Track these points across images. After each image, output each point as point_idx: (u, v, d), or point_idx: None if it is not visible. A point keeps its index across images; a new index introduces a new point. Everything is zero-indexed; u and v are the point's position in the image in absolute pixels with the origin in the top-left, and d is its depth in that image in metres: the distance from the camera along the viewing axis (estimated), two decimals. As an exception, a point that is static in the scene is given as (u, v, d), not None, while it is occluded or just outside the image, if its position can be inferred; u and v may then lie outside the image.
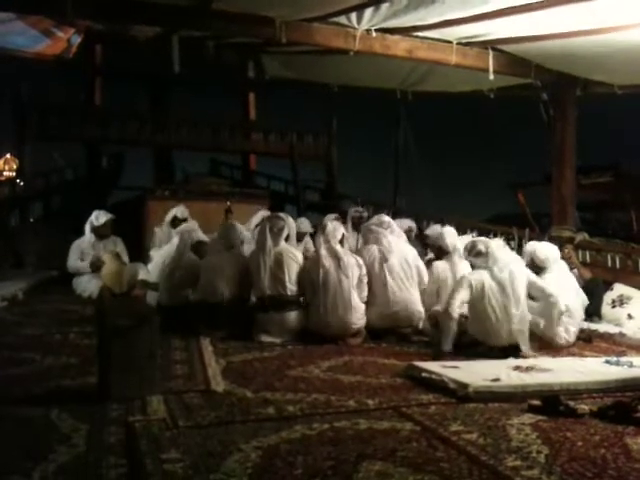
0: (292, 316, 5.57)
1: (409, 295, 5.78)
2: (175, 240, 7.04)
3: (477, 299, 5.09)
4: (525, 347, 5.02)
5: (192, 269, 6.24)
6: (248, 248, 6.49)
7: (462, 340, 5.12)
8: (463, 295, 5.11)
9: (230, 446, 2.90)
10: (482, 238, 5.68)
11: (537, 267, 5.75)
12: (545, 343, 5.36)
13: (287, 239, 5.94)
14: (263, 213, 8.19)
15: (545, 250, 5.89)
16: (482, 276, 5.13)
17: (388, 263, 5.79)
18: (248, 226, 7.89)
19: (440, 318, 5.23)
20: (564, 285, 5.79)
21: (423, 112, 13.00)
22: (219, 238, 6.35)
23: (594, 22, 6.35)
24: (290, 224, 6.05)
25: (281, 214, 6.23)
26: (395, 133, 14.85)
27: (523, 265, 5.55)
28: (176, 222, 8.33)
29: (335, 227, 5.91)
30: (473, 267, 5.33)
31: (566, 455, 2.90)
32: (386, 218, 6.31)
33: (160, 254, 7.29)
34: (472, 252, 5.29)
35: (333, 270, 5.56)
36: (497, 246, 5.56)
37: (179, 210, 8.58)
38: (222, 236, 6.29)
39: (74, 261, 8.19)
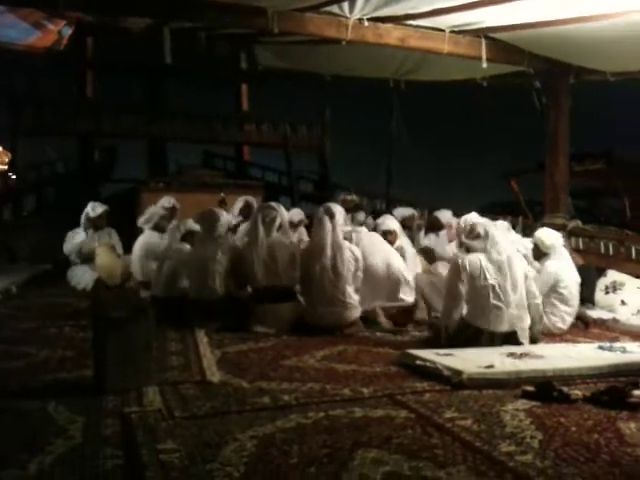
0: (287, 307, 5.58)
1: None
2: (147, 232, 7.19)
3: (474, 281, 4.86)
4: (525, 340, 4.83)
5: (182, 259, 6.25)
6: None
7: (464, 334, 4.84)
8: (464, 280, 4.88)
9: (226, 436, 2.92)
10: (483, 220, 5.37)
11: (541, 253, 5.80)
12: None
13: (280, 229, 5.92)
14: (245, 198, 8.20)
15: (551, 237, 5.91)
16: (478, 257, 4.92)
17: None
18: (232, 212, 7.90)
19: (438, 328, 5.06)
20: (565, 271, 5.81)
21: (417, 102, 12.96)
22: (200, 227, 6.27)
23: (586, 9, 6.34)
24: (282, 213, 6.00)
25: (273, 203, 6.19)
26: (388, 123, 14.82)
27: (520, 255, 5.47)
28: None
29: (342, 214, 5.84)
30: (469, 250, 5.07)
31: (560, 440, 2.93)
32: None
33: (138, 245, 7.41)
34: (470, 234, 5.06)
35: (330, 261, 5.55)
36: (500, 227, 5.57)
37: (165, 200, 8.50)
38: (204, 225, 6.19)
39: (70, 245, 8.16)
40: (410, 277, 5.92)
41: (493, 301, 4.80)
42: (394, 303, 5.80)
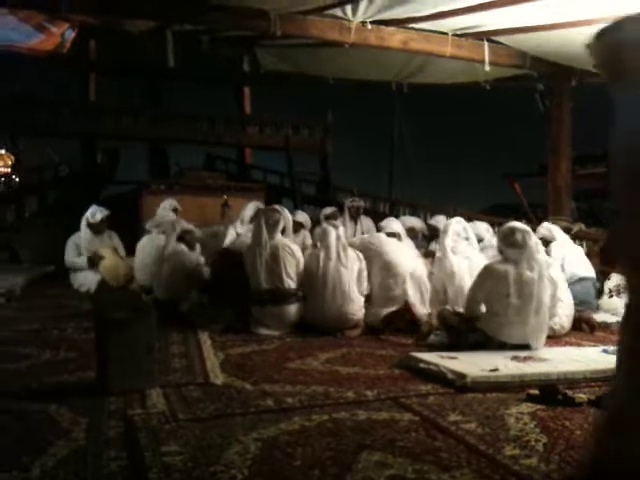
0: (290, 309, 5.58)
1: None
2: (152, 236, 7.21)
3: (496, 293, 4.71)
4: (536, 345, 4.72)
5: (179, 259, 6.26)
6: (243, 241, 6.53)
7: (472, 338, 4.79)
8: (487, 288, 4.75)
9: (229, 438, 2.91)
10: (523, 226, 4.99)
11: (545, 241, 6.13)
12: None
13: (283, 232, 5.93)
14: (256, 204, 8.18)
15: (546, 225, 6.52)
16: (507, 268, 4.69)
17: None
18: (242, 218, 7.88)
19: (451, 319, 4.97)
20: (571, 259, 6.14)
21: (420, 105, 12.98)
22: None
23: (588, 13, 6.34)
24: (286, 216, 6.03)
25: (276, 206, 6.21)
26: (391, 125, 14.84)
27: (559, 270, 5.45)
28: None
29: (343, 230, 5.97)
30: (500, 253, 4.92)
31: (564, 443, 2.92)
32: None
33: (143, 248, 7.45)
34: (507, 240, 4.80)
35: (333, 262, 5.56)
36: (558, 235, 6.30)
37: (167, 203, 8.51)
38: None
39: (71, 257, 8.19)
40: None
41: (511, 317, 4.68)
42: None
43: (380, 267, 5.75)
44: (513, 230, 4.86)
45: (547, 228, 6.73)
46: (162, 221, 7.73)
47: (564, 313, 5.58)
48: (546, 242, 6.26)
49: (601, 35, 2.42)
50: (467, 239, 5.91)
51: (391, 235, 6.38)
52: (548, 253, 6.06)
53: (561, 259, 6.16)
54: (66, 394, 3.62)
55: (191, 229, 6.75)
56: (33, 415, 3.29)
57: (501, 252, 4.94)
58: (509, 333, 4.71)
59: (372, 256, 5.80)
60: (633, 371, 2.19)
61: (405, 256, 5.88)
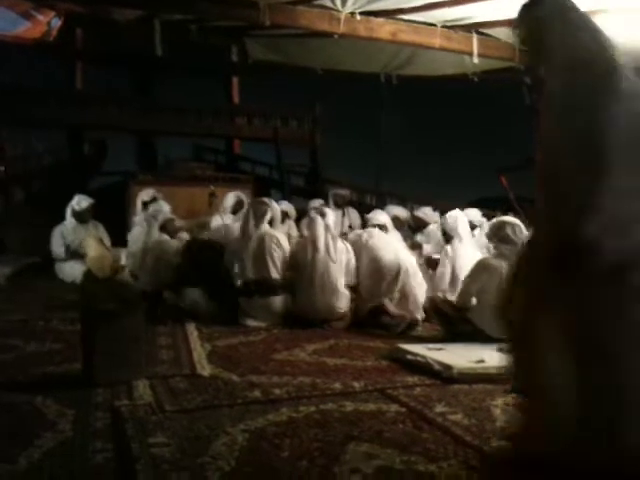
0: (277, 300, 5.57)
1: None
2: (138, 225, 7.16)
3: (489, 287, 4.65)
4: None
5: (162, 249, 6.24)
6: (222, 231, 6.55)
7: (460, 329, 4.83)
8: (481, 281, 4.74)
9: (217, 429, 2.91)
10: (513, 220, 4.94)
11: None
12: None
13: (271, 223, 5.92)
14: (236, 194, 8.19)
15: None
16: (501, 264, 4.63)
17: None
18: (224, 209, 7.89)
19: (442, 306, 5.06)
20: None
21: (409, 97, 12.97)
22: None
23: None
24: (274, 208, 6.02)
25: (264, 199, 6.20)
26: (379, 117, 14.84)
27: None
28: (147, 206, 8.25)
29: (333, 215, 5.92)
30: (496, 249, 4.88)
31: (550, 434, 2.94)
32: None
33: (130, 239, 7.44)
34: (497, 235, 4.79)
35: (321, 255, 5.56)
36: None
37: (145, 194, 8.46)
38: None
39: (58, 247, 8.13)
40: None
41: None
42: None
43: (369, 261, 5.74)
44: (503, 224, 4.84)
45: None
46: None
47: None
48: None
49: (522, 11, 2.27)
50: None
51: (378, 227, 6.38)
52: None
53: None
54: (52, 386, 3.60)
55: (172, 217, 6.74)
56: (19, 407, 3.28)
57: (492, 248, 4.94)
58: (497, 327, 4.72)
59: (361, 249, 5.80)
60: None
61: (395, 251, 5.86)
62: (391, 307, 5.56)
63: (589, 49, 2.12)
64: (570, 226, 1.97)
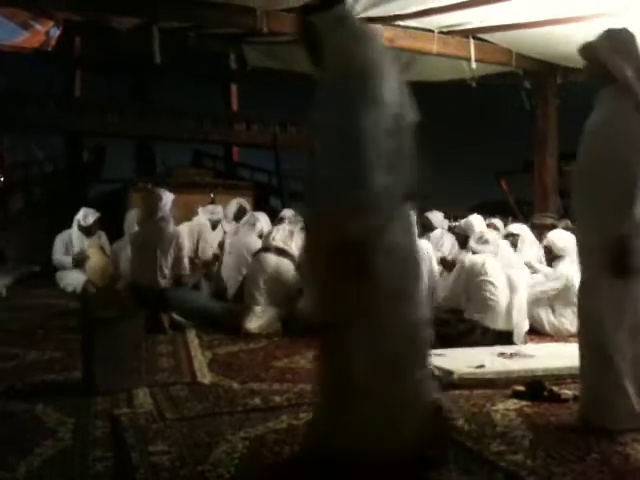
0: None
1: None
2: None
3: (476, 275, 4.96)
4: (519, 342, 4.88)
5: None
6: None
7: (458, 329, 4.92)
8: (465, 279, 5.06)
9: (217, 437, 2.91)
10: (491, 233, 5.54)
11: (554, 256, 5.80)
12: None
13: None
14: (239, 201, 8.16)
15: (563, 239, 5.81)
16: (482, 257, 5.04)
17: None
18: (226, 215, 7.86)
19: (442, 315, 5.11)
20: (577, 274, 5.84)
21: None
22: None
23: (572, 10, 6.37)
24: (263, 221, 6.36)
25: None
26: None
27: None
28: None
29: None
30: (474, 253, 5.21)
31: (550, 440, 2.94)
32: None
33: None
34: (480, 240, 5.21)
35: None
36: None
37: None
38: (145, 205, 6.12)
39: (60, 255, 8.10)
40: None
41: (490, 295, 4.88)
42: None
43: None
44: (482, 234, 5.29)
45: (556, 240, 6.03)
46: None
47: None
48: (551, 254, 5.91)
49: (302, 16, 2.61)
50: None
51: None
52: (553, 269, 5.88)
53: (564, 276, 5.88)
54: (52, 394, 3.61)
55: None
56: (19, 415, 3.28)
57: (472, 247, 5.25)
58: (494, 311, 4.89)
59: None
60: None
61: None
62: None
63: (363, 57, 2.43)
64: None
